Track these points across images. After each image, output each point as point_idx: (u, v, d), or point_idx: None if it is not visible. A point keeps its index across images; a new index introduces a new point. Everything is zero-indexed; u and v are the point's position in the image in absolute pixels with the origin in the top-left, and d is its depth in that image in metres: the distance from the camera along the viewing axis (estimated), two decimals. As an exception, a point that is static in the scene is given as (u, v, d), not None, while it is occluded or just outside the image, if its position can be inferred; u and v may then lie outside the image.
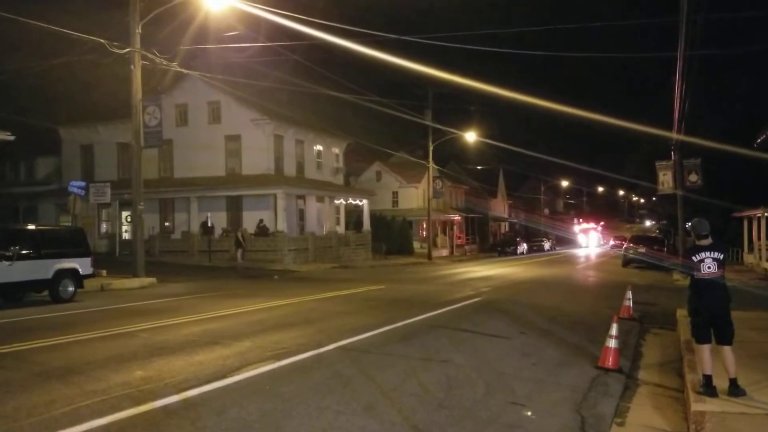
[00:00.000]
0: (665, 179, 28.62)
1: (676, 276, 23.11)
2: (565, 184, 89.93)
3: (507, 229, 73.88)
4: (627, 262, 33.71)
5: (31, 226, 17.95)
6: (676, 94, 22.82)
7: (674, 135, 26.03)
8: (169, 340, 10.14)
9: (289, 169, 35.75)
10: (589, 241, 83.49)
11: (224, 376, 7.50)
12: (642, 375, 8.35)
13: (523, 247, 56.33)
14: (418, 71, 20.60)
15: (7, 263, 14.63)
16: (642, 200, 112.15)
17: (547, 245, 64.04)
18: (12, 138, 19.80)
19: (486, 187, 66.97)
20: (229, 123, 34.49)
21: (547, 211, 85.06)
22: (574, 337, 10.77)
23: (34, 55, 33.10)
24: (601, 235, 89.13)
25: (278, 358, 8.54)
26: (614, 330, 8.52)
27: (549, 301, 16.43)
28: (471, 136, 46.40)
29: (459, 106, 55.27)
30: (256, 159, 33.90)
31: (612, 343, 8.44)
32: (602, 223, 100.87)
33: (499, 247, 55.52)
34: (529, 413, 6.40)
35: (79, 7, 30.33)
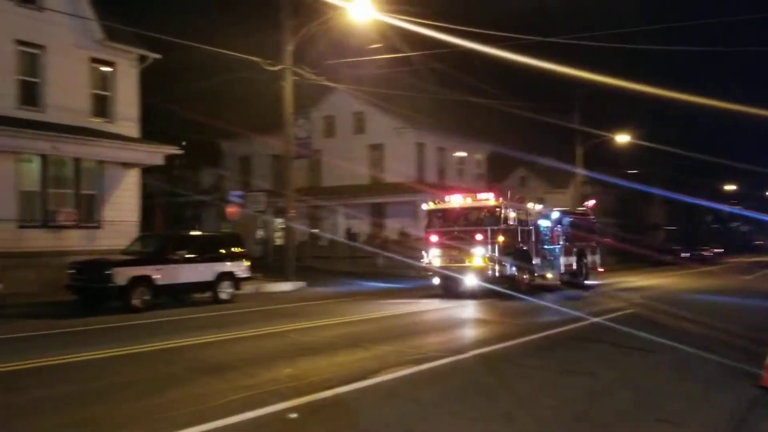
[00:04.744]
0: None
1: None
2: (732, 187, 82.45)
3: (665, 236, 69.33)
4: None
5: (196, 233, 19.63)
6: None
7: None
8: (314, 341, 10.64)
9: (431, 176, 36.10)
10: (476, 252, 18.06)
11: (364, 378, 7.73)
12: (815, 398, 7.49)
13: (684, 255, 52.58)
14: (566, 73, 20.03)
15: (176, 266, 16.12)
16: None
17: (709, 253, 59.16)
18: (181, 152, 21.85)
19: (640, 192, 63.24)
20: (373, 132, 35.59)
21: (709, 217, 78.77)
22: (732, 354, 9.87)
23: (198, 76, 36.15)
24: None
25: (416, 363, 8.66)
26: (781, 348, 7.56)
27: (706, 315, 15.18)
28: (623, 139, 44.03)
29: (612, 109, 52.57)
30: (399, 167, 34.61)
31: (777, 362, 7.54)
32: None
33: (656, 256, 52.13)
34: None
35: (233, 29, 32.73)
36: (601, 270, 24.84)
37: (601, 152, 48.17)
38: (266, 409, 6.34)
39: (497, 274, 17.79)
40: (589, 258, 23.54)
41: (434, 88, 33.59)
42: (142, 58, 22.03)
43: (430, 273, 18.73)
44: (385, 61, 27.43)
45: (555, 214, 21.70)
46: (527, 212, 19.88)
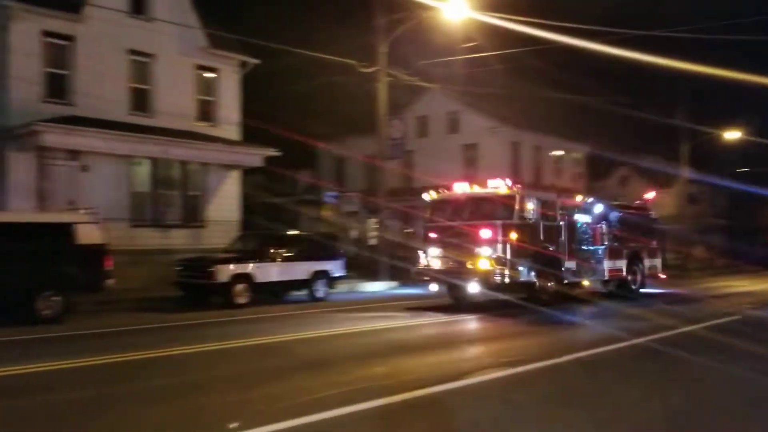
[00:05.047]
0: None
1: None
2: None
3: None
4: None
5: (293, 232, 20.18)
6: None
7: None
8: (407, 339, 10.68)
9: (527, 176, 35.36)
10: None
11: (457, 378, 7.64)
12: None
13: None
14: (672, 68, 19.07)
15: (274, 264, 16.64)
16: None
17: None
18: (279, 154, 22.57)
19: (754, 193, 59.22)
20: (467, 132, 35.29)
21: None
22: None
23: (294, 80, 37.28)
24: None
25: (512, 365, 8.48)
26: None
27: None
28: (734, 135, 41.27)
29: (722, 104, 49.51)
30: (493, 166, 34.10)
31: None
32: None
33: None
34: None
35: (326, 32, 33.37)
36: (663, 277, 20.65)
37: (709, 150, 45.53)
38: (359, 406, 6.38)
39: (507, 279, 14.38)
40: (647, 262, 19.39)
41: (530, 86, 32.94)
42: (243, 64, 22.94)
43: (426, 278, 15.82)
44: (479, 60, 27.16)
45: (598, 208, 17.67)
46: (556, 205, 16.28)
